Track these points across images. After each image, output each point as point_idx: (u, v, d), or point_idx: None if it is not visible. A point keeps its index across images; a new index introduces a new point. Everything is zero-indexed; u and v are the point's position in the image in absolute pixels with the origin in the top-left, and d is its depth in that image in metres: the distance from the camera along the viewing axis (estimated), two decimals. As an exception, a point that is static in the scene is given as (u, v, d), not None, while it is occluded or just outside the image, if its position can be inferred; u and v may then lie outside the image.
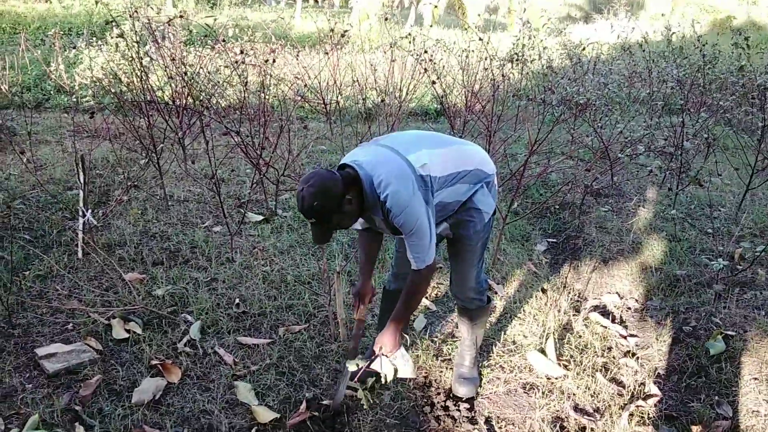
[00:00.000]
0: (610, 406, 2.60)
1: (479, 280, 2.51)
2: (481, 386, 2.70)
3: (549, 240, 4.41)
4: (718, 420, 2.51)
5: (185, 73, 5.07)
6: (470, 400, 2.61)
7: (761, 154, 4.78)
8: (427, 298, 3.45)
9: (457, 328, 3.01)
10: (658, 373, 2.86)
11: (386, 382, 2.37)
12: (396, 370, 2.34)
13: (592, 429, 2.47)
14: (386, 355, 2.31)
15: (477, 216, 2.34)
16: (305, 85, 6.67)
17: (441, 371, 2.80)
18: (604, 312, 3.40)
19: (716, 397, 2.65)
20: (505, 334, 3.12)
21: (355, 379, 2.35)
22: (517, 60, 6.50)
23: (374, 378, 2.51)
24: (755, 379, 2.75)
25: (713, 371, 2.80)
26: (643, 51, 7.32)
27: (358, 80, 6.98)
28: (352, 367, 2.37)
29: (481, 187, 2.33)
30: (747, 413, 2.56)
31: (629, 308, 3.48)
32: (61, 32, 8.99)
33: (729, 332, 3.04)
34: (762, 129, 4.76)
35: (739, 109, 5.50)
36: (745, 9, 22.38)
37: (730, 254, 3.91)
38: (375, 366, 2.34)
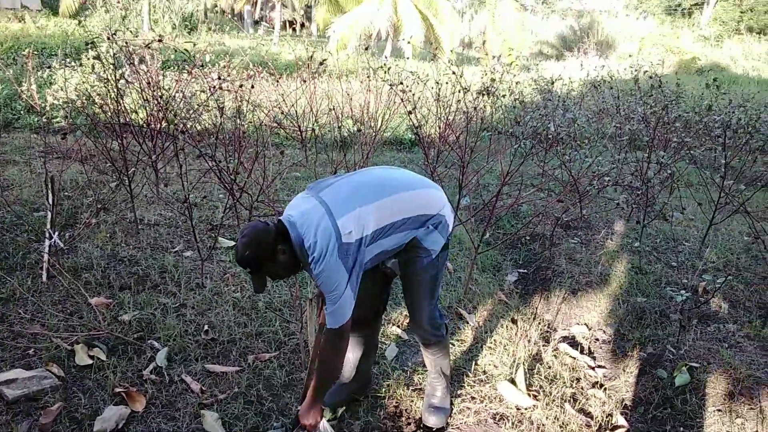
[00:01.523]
0: (578, 437, 2.62)
1: (433, 316, 2.52)
2: (451, 416, 2.70)
3: (520, 270, 4.46)
4: (683, 451, 2.55)
5: (161, 97, 5.05)
6: (440, 430, 2.60)
7: (724, 191, 4.94)
8: (399, 326, 3.45)
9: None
10: (625, 404, 2.90)
11: None
12: None
13: (560, 460, 2.48)
14: (307, 428, 2.31)
15: (423, 253, 2.37)
16: (282, 112, 6.70)
17: (412, 401, 2.79)
18: (573, 343, 3.44)
19: (681, 429, 2.69)
20: (475, 363, 3.13)
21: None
22: (487, 93, 6.63)
23: None
24: (719, 410, 2.80)
25: (678, 402, 2.85)
26: (611, 89, 7.55)
27: (334, 108, 7.03)
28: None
29: (425, 228, 2.34)
30: (711, 445, 2.60)
31: (597, 339, 3.52)
32: (35, 52, 8.90)
33: (693, 364, 3.11)
34: (725, 166, 4.93)
35: (703, 146, 5.70)
36: (708, 51, 23.36)
37: (694, 287, 4.01)
38: None
